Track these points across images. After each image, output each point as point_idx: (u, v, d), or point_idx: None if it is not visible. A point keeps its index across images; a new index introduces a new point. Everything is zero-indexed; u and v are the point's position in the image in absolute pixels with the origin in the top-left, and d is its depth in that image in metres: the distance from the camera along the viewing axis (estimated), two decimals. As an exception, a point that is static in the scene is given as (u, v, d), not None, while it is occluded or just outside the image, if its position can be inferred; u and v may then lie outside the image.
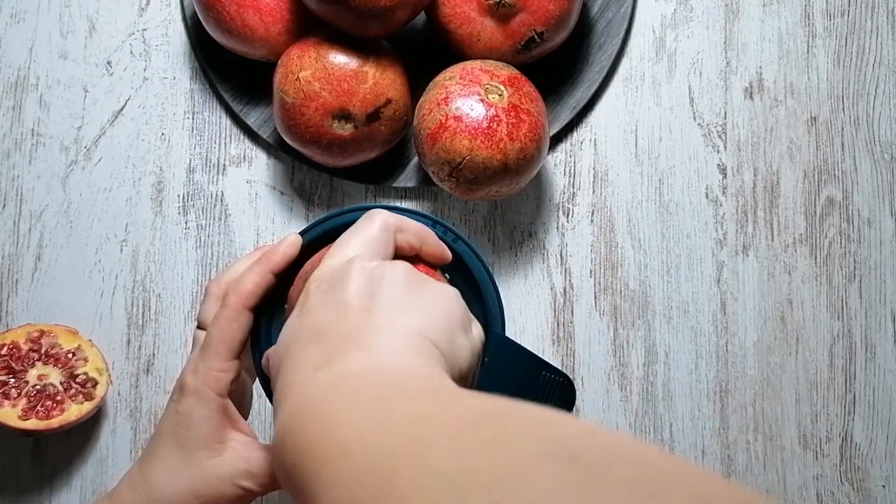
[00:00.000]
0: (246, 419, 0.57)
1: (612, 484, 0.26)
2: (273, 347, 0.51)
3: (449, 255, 0.53)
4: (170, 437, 0.54)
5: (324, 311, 0.45)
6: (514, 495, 0.26)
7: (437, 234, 0.55)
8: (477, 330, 0.49)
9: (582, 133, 0.76)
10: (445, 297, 0.46)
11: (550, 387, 0.58)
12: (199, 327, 0.57)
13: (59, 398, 0.69)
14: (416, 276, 0.47)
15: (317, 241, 0.56)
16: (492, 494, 0.27)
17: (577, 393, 0.63)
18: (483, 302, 0.56)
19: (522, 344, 0.62)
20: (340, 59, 0.67)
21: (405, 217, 0.52)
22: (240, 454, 0.53)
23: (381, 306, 0.44)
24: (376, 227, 0.49)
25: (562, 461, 0.27)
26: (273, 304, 0.55)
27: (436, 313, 0.45)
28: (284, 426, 0.40)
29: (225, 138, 0.76)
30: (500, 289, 0.57)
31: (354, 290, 0.44)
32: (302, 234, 0.56)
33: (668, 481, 0.27)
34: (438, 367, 0.42)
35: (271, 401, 0.56)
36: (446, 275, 0.57)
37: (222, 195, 0.76)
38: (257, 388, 0.59)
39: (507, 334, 0.59)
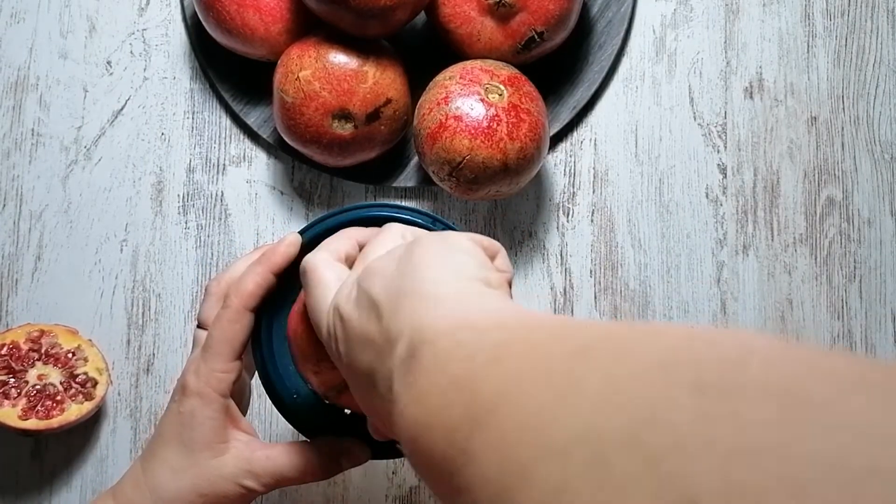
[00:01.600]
0: (245, 414, 0.57)
1: (751, 397, 0.24)
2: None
3: None
4: (172, 437, 0.54)
5: (352, 337, 0.43)
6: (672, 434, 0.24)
7: (436, 231, 0.55)
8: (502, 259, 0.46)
9: (582, 133, 0.76)
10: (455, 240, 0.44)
11: None
12: (199, 326, 0.57)
13: (59, 398, 0.69)
14: (407, 252, 0.44)
15: (316, 240, 0.56)
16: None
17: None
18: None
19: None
20: (340, 59, 0.67)
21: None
22: (242, 454, 0.54)
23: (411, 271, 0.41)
24: (334, 245, 0.49)
25: (689, 391, 0.25)
26: (274, 304, 0.55)
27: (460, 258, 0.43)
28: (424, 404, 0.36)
29: (225, 138, 0.76)
30: None
31: (381, 286, 0.42)
32: (301, 233, 0.56)
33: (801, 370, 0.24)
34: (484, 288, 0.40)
35: (273, 401, 0.56)
36: None
37: (222, 195, 0.76)
38: (257, 386, 0.59)
39: None
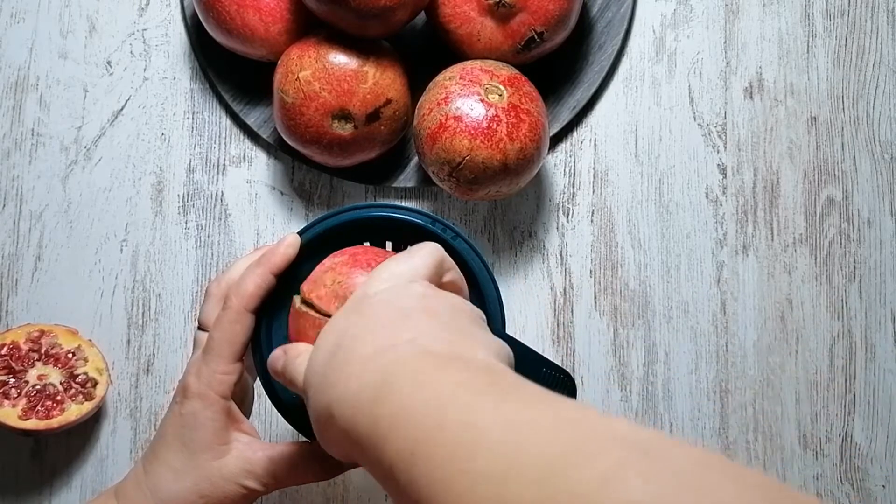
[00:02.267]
0: (248, 418, 0.57)
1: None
2: (298, 344, 0.50)
3: None
4: (174, 438, 0.54)
5: (383, 314, 0.44)
6: None
7: (436, 231, 0.55)
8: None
9: (582, 133, 0.76)
10: (497, 340, 0.47)
11: (551, 383, 0.58)
12: (199, 328, 0.57)
13: (58, 398, 0.69)
14: (473, 313, 0.47)
15: (316, 240, 0.56)
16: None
17: (577, 391, 0.63)
18: (483, 299, 0.56)
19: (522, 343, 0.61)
20: (340, 59, 0.67)
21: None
22: (243, 455, 0.54)
23: (444, 323, 0.43)
24: (434, 259, 0.49)
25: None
26: (273, 305, 0.55)
27: (494, 345, 0.45)
28: (360, 397, 0.39)
29: (225, 138, 0.76)
30: (499, 288, 0.57)
31: (419, 304, 0.44)
32: (300, 233, 0.56)
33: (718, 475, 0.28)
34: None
35: (273, 402, 0.56)
36: None
37: (222, 195, 0.76)
38: (258, 387, 0.59)
39: (507, 332, 0.59)
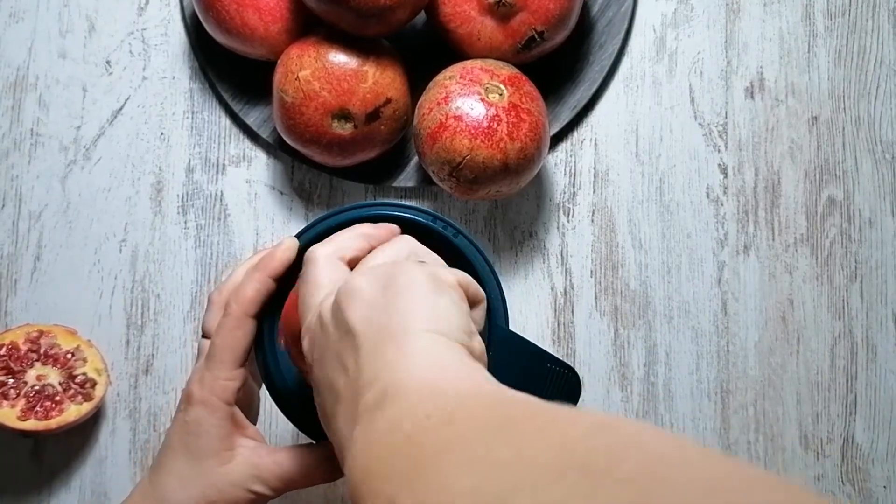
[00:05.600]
0: (255, 424, 0.57)
1: (613, 484, 0.27)
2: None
3: None
4: (179, 446, 0.54)
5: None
6: None
7: (437, 228, 0.55)
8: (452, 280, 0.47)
9: (582, 133, 0.76)
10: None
11: (556, 379, 0.57)
12: (203, 336, 0.57)
13: (57, 398, 0.69)
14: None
15: (314, 241, 0.55)
16: None
17: (581, 387, 0.63)
18: (486, 296, 0.56)
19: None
20: (340, 59, 0.67)
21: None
22: (249, 460, 0.53)
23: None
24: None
25: (571, 473, 0.29)
26: (274, 309, 0.55)
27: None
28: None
29: (224, 138, 0.76)
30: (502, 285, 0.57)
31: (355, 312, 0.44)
32: (298, 235, 0.55)
33: (670, 473, 0.28)
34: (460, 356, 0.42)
35: (276, 401, 0.56)
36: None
37: (222, 195, 0.75)
38: (264, 392, 0.59)
39: (510, 328, 0.59)
